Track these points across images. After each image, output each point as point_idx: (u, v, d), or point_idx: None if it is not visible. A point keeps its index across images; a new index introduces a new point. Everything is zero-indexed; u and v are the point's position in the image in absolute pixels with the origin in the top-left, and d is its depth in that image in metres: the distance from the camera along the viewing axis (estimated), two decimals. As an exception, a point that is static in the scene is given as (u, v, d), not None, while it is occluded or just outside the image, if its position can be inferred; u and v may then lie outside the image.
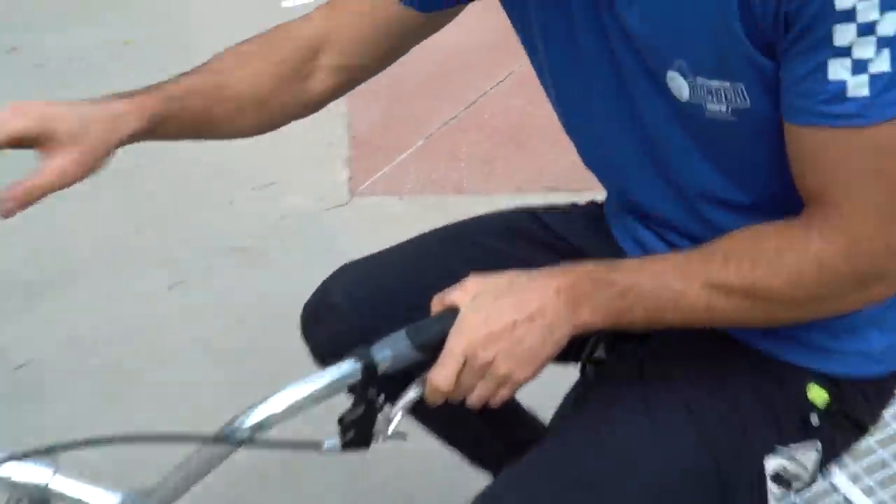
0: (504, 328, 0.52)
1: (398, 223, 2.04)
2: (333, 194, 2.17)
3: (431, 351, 0.53)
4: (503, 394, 0.54)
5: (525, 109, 2.40)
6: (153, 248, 2.02)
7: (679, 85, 0.56)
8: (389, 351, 0.52)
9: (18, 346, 1.74)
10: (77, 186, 0.59)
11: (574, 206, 0.85)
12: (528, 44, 0.69)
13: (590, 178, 0.81)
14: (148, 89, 0.62)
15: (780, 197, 0.58)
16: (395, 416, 0.54)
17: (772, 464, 0.61)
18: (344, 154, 2.31)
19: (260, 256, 1.99)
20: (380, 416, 0.53)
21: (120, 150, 0.60)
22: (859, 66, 0.47)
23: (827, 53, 0.47)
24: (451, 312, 0.54)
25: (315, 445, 0.53)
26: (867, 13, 0.45)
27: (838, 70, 0.47)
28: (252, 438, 0.50)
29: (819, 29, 0.47)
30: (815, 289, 0.53)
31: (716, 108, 0.56)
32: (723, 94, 0.55)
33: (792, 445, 0.61)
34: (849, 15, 0.45)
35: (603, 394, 0.65)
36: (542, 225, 0.80)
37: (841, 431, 0.64)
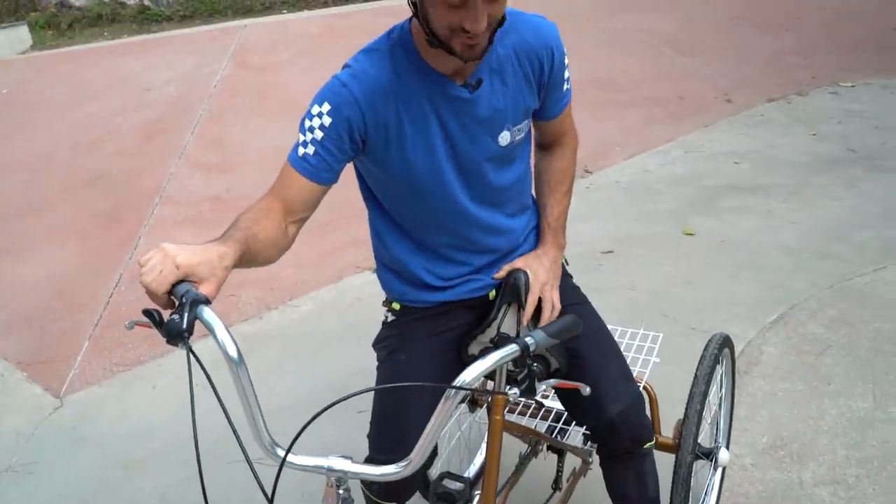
0: (551, 274, 1.65)
1: (116, 400, 3.06)
2: (44, 404, 3.08)
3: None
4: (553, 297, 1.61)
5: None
6: None
7: (504, 137, 1.54)
8: (534, 338, 1.18)
9: None
10: None
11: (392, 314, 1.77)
12: (387, 153, 1.50)
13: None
14: (227, 238, 1.27)
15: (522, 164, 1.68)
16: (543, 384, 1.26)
17: None
18: (21, 377, 3.31)
19: (22, 468, 2.71)
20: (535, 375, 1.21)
21: None
22: (567, 81, 1.63)
23: (563, 86, 1.62)
24: (520, 272, 1.59)
25: (504, 394, 1.20)
26: (567, 68, 1.60)
27: (565, 91, 1.63)
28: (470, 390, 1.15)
29: (560, 81, 1.60)
30: (573, 166, 1.76)
31: (519, 136, 1.57)
32: (522, 129, 1.58)
33: None
34: (566, 71, 1.60)
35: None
36: (420, 319, 1.71)
37: None
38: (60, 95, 6.55)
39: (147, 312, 1.13)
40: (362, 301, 3.57)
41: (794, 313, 3.10)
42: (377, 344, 1.73)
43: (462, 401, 1.32)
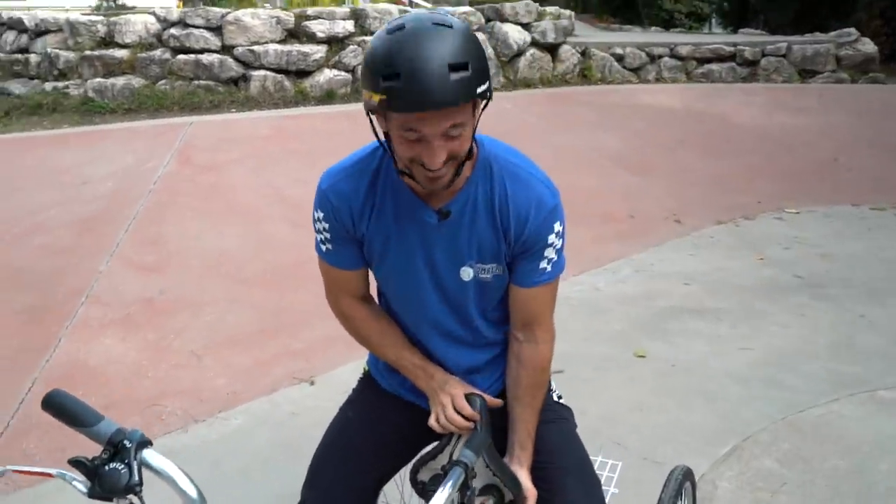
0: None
1: None
2: None
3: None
4: None
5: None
6: None
7: (467, 273, 1.60)
8: (465, 456, 1.38)
9: None
10: None
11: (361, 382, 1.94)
12: (374, 258, 1.67)
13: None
14: (416, 355, 1.70)
15: (496, 311, 1.71)
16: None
17: None
18: None
19: None
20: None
21: None
22: (549, 262, 1.60)
23: (540, 258, 1.59)
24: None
25: None
26: (556, 243, 1.59)
27: (543, 264, 1.59)
28: None
29: (540, 251, 1.58)
30: (549, 367, 1.72)
31: (484, 276, 1.61)
32: (490, 270, 1.61)
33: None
34: (551, 245, 1.59)
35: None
36: (377, 392, 1.86)
37: None
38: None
39: (76, 462, 1.00)
40: (298, 416, 3.43)
41: (748, 446, 3.07)
42: (353, 389, 1.93)
43: None
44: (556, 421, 1.78)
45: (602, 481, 2.00)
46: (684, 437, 3.16)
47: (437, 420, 1.63)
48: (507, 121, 8.02)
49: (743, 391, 3.54)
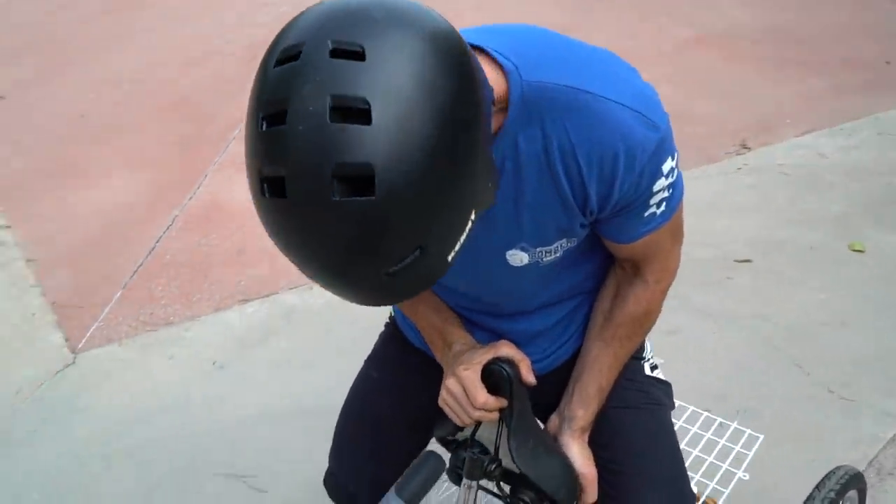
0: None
1: (127, 366, 2.82)
2: (58, 358, 2.85)
3: None
4: None
5: (199, 243, 3.44)
6: None
7: (519, 257, 1.12)
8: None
9: None
10: None
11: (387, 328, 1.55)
12: None
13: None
14: (452, 323, 1.28)
15: (567, 280, 1.24)
16: None
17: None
18: (51, 320, 3.04)
19: (7, 437, 2.50)
20: None
21: None
22: (662, 202, 1.06)
23: (645, 208, 1.06)
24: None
25: None
26: (667, 182, 1.03)
27: (652, 210, 1.06)
28: None
29: (643, 203, 1.05)
30: (656, 312, 1.22)
31: (549, 257, 1.14)
32: (558, 247, 1.12)
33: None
34: (661, 190, 1.04)
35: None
36: (405, 348, 1.46)
37: None
38: (182, 5, 6.39)
39: None
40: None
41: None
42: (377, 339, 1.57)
43: None
44: (644, 407, 1.30)
45: (729, 460, 1.49)
46: (894, 370, 2.48)
47: (447, 405, 1.21)
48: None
49: None
